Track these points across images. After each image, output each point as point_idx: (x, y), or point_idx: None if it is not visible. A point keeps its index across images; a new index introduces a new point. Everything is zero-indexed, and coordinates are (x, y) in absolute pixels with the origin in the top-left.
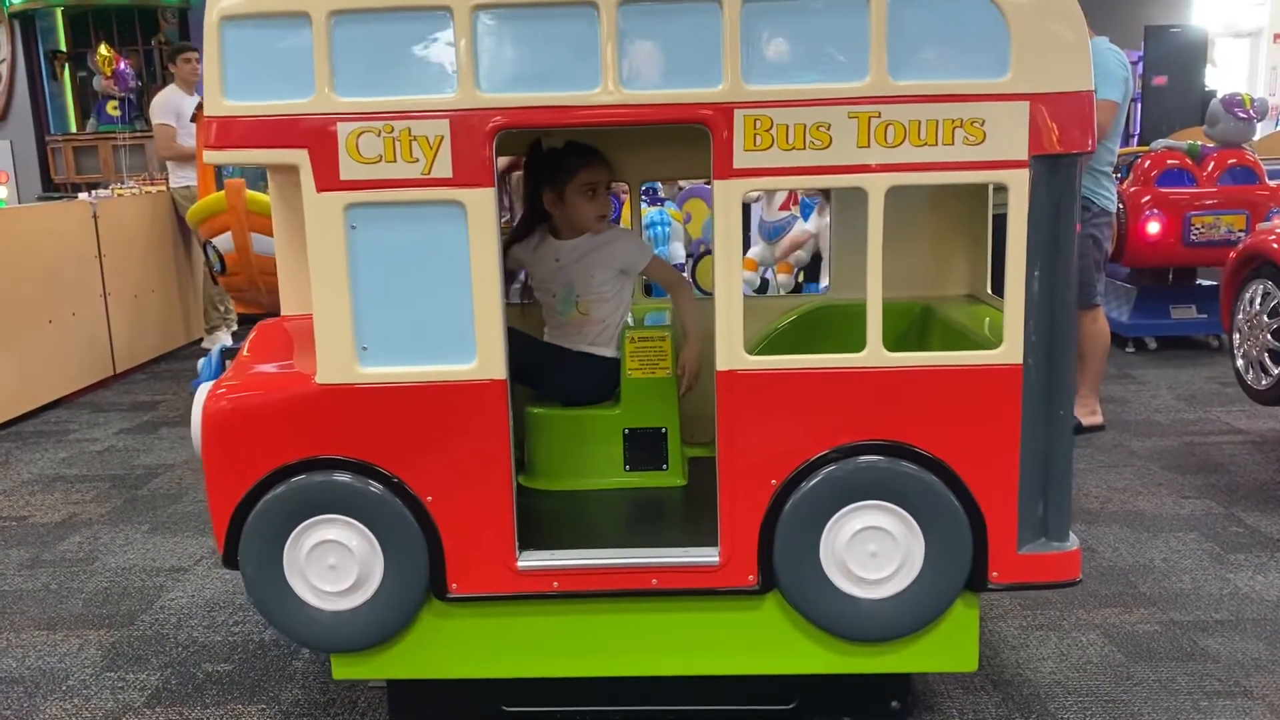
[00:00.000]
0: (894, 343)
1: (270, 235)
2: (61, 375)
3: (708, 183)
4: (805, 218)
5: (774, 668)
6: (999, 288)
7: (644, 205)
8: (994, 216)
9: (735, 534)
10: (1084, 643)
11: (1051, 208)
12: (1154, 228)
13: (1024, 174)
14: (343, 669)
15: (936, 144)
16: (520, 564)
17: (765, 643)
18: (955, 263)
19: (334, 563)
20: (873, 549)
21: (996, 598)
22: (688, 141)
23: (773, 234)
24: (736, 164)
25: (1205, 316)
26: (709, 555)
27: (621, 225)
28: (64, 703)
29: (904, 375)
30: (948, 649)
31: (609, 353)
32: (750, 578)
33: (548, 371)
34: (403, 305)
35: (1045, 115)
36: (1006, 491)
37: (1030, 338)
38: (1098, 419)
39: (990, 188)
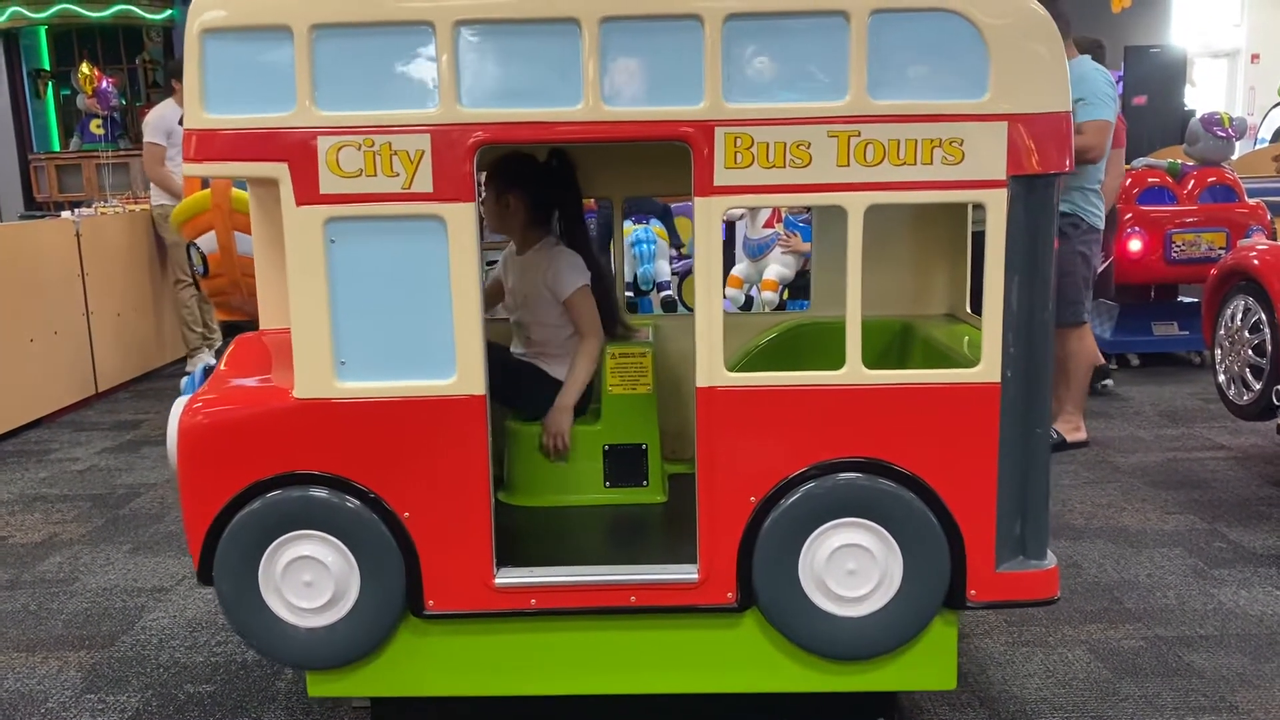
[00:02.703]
0: (874, 360)
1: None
2: (43, 394)
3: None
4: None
5: (753, 686)
6: (978, 306)
7: (629, 224)
8: (973, 235)
9: (714, 551)
10: (1070, 659)
11: (1029, 227)
12: (1135, 245)
13: (1002, 194)
14: (318, 686)
15: (915, 163)
16: (498, 581)
17: (744, 660)
18: (935, 281)
19: (309, 579)
20: (851, 566)
21: (982, 614)
22: (671, 159)
23: (757, 251)
24: (717, 181)
25: (1187, 333)
26: (688, 572)
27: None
28: None
29: (883, 393)
30: (927, 667)
31: (557, 373)
32: (729, 595)
33: (511, 386)
34: (382, 319)
35: (1023, 135)
36: (984, 509)
37: (1008, 356)
38: (1082, 435)
39: (969, 206)
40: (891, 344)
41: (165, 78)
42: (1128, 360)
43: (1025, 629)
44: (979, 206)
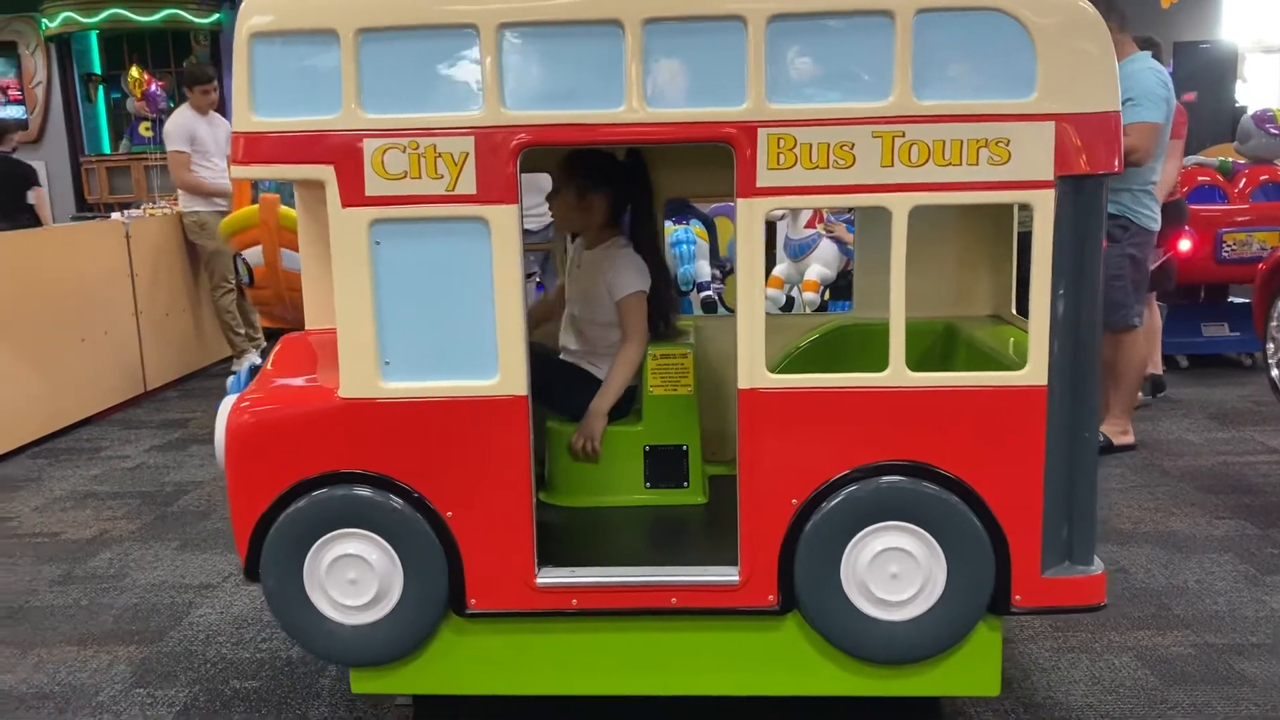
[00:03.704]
0: (917, 362)
1: (299, 251)
2: (93, 393)
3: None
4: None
5: (794, 689)
6: (1024, 308)
7: (668, 224)
8: (1019, 235)
9: (755, 553)
10: (1116, 665)
11: (1077, 228)
12: (1185, 245)
13: (1049, 194)
14: (361, 683)
15: (961, 164)
16: (539, 580)
17: (785, 663)
18: (979, 282)
19: (354, 577)
20: (894, 570)
21: (1026, 620)
22: (713, 159)
23: (799, 251)
24: (760, 183)
25: (1237, 334)
26: (729, 574)
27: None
28: (94, 718)
29: (927, 395)
30: (970, 672)
31: (601, 375)
32: (770, 598)
33: (554, 387)
34: (426, 320)
35: (1071, 135)
36: (1030, 514)
37: (1055, 358)
38: (1130, 439)
39: (1015, 206)
40: (935, 345)
41: (178, 85)
42: (1176, 362)
43: (1071, 635)
44: (1025, 207)
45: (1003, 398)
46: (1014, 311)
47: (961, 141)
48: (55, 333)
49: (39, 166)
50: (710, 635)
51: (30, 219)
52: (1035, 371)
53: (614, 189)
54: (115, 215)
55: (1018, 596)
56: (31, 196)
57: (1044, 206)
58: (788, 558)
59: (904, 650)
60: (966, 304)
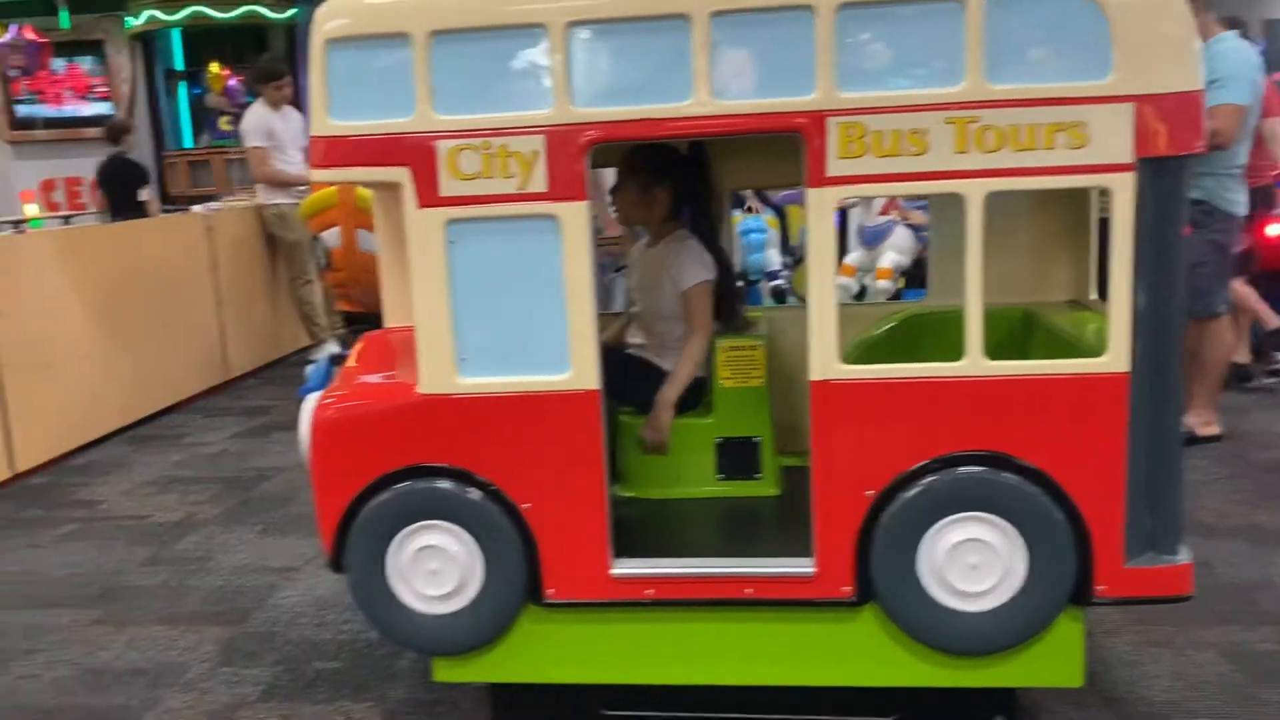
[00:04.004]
0: (994, 350)
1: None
2: (178, 380)
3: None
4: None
5: (871, 679)
6: (1104, 293)
7: (737, 213)
8: (1100, 219)
9: (830, 545)
10: (1201, 661)
11: (1158, 211)
12: (1275, 230)
13: (1129, 177)
14: (444, 672)
15: (1037, 148)
16: (615, 571)
17: (862, 654)
18: (1058, 267)
19: (435, 567)
20: (973, 561)
21: (1106, 612)
22: (779, 149)
23: (872, 238)
24: (830, 172)
25: None
26: (804, 566)
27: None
28: (184, 695)
29: (1005, 384)
30: (1051, 663)
31: (671, 367)
32: (846, 589)
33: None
34: (499, 317)
35: (1151, 116)
36: (1112, 503)
37: (1136, 345)
38: (1214, 429)
39: (1094, 190)
40: (1012, 333)
41: (251, 81)
42: None
43: (1153, 629)
44: (1104, 191)
45: (1083, 385)
46: (1094, 297)
47: (1037, 126)
48: (142, 323)
49: None
50: (785, 626)
51: (141, 215)
52: (1116, 358)
53: (676, 182)
54: (196, 208)
55: (1101, 587)
56: (143, 194)
57: (1123, 190)
58: (864, 549)
59: (984, 641)
60: (1044, 289)
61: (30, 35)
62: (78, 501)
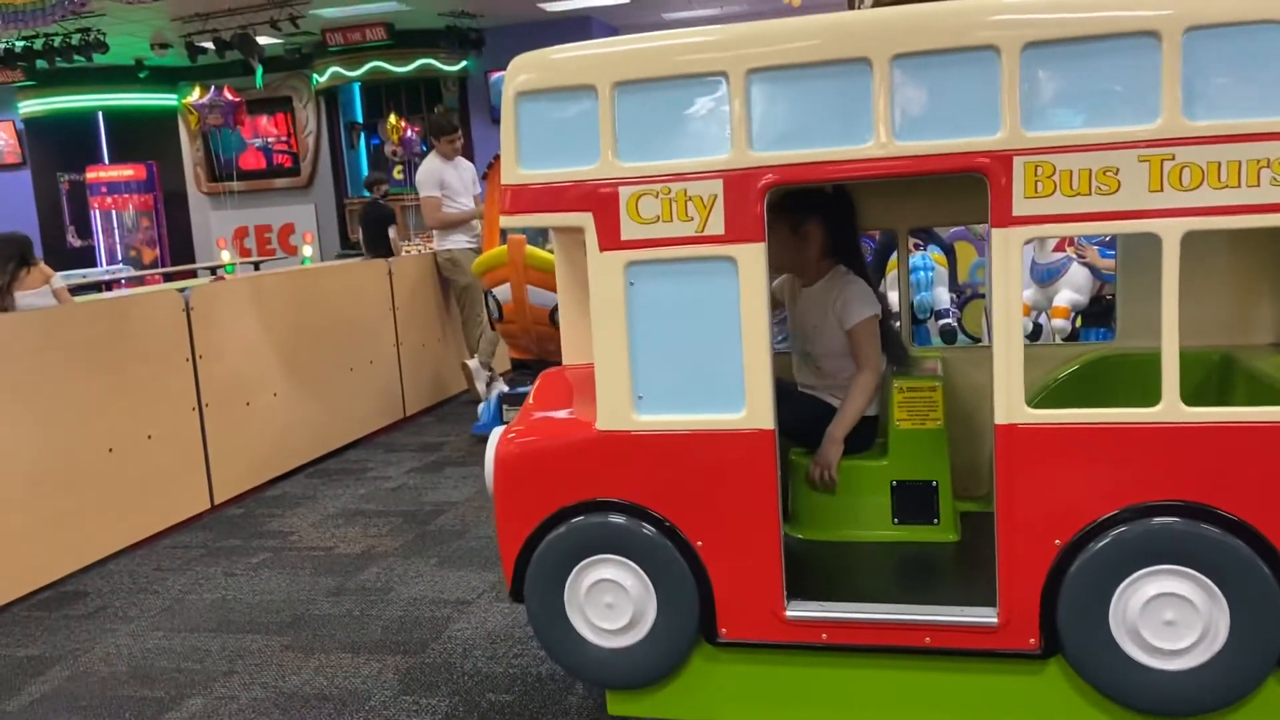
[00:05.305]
0: (1192, 395)
1: (543, 288)
2: (361, 418)
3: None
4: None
5: None
6: None
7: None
8: None
9: (1015, 594)
10: None
11: None
12: None
13: None
14: (617, 705)
15: (1239, 185)
16: (789, 613)
17: (1048, 709)
18: (1259, 307)
19: (610, 601)
20: (1169, 617)
21: None
22: (957, 187)
23: (1046, 276)
24: (1016, 211)
25: None
26: (987, 615)
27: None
28: None
29: (1204, 432)
30: None
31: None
32: (1031, 641)
33: (792, 418)
34: (677, 356)
35: None
36: None
37: None
38: None
39: None
40: (1210, 377)
41: (425, 135)
42: None
43: None
44: None
45: None
46: None
47: (1239, 162)
48: (328, 362)
49: (308, 209)
50: (965, 676)
51: (389, 251)
52: None
53: (826, 218)
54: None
55: None
56: (391, 232)
57: None
58: (1050, 600)
59: (1181, 702)
60: (1244, 332)
61: (228, 94)
62: (270, 532)
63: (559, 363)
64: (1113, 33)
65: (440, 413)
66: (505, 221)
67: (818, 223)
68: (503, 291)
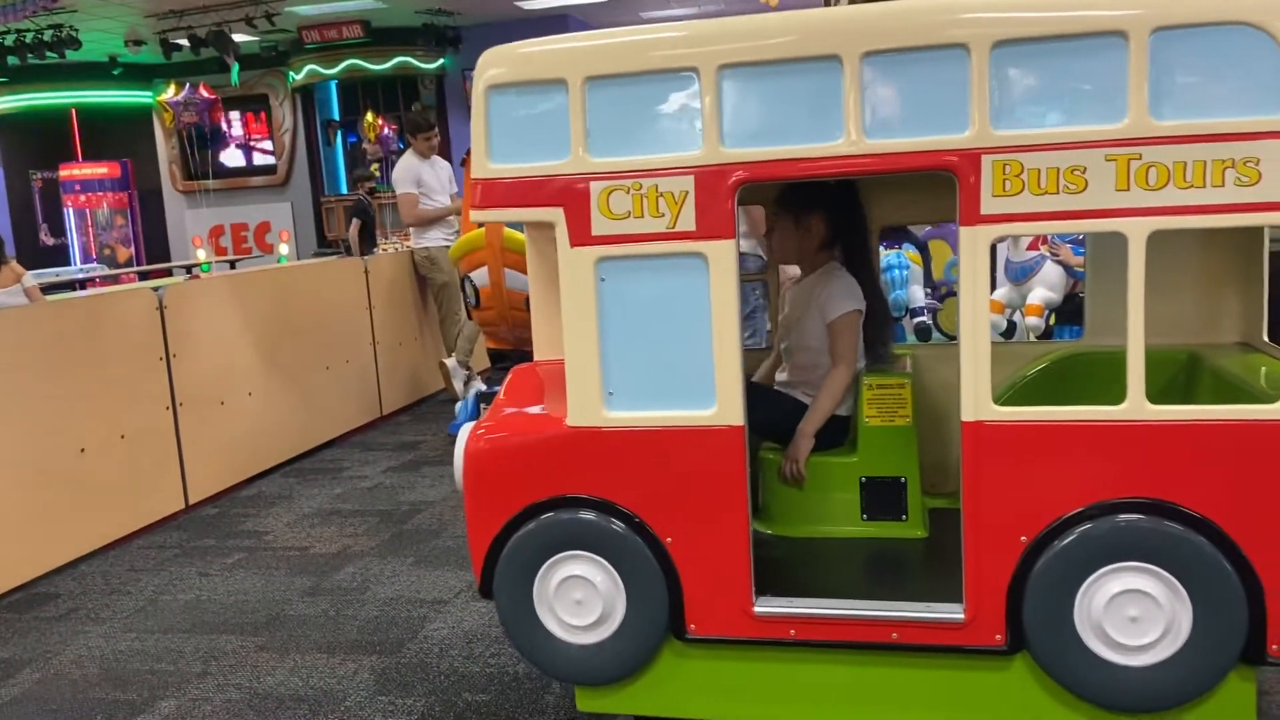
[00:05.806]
0: (1157, 393)
1: (520, 272)
2: (337, 417)
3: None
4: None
5: None
6: (1276, 335)
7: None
8: (1271, 255)
9: (981, 591)
10: None
11: None
12: None
13: None
14: (586, 701)
15: (1205, 185)
16: (758, 609)
17: (1013, 705)
18: (1226, 307)
19: (580, 597)
20: (1133, 613)
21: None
22: (928, 185)
23: (1020, 275)
24: (984, 210)
25: None
26: (953, 611)
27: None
28: None
29: (1170, 430)
30: None
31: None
32: (997, 637)
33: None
34: (647, 352)
35: None
36: None
37: None
38: None
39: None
40: (1176, 376)
41: (402, 132)
42: None
43: None
44: (1278, 228)
45: (1255, 433)
46: (1265, 339)
47: (1205, 162)
48: (304, 361)
49: (285, 207)
50: (931, 672)
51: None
52: None
53: (829, 210)
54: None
55: (1276, 646)
56: (351, 229)
57: None
58: (1016, 596)
59: (1144, 698)
60: (1211, 331)
61: (204, 92)
62: (245, 532)
63: None
64: (1081, 32)
65: (417, 412)
66: (475, 215)
67: (819, 216)
68: (480, 276)
